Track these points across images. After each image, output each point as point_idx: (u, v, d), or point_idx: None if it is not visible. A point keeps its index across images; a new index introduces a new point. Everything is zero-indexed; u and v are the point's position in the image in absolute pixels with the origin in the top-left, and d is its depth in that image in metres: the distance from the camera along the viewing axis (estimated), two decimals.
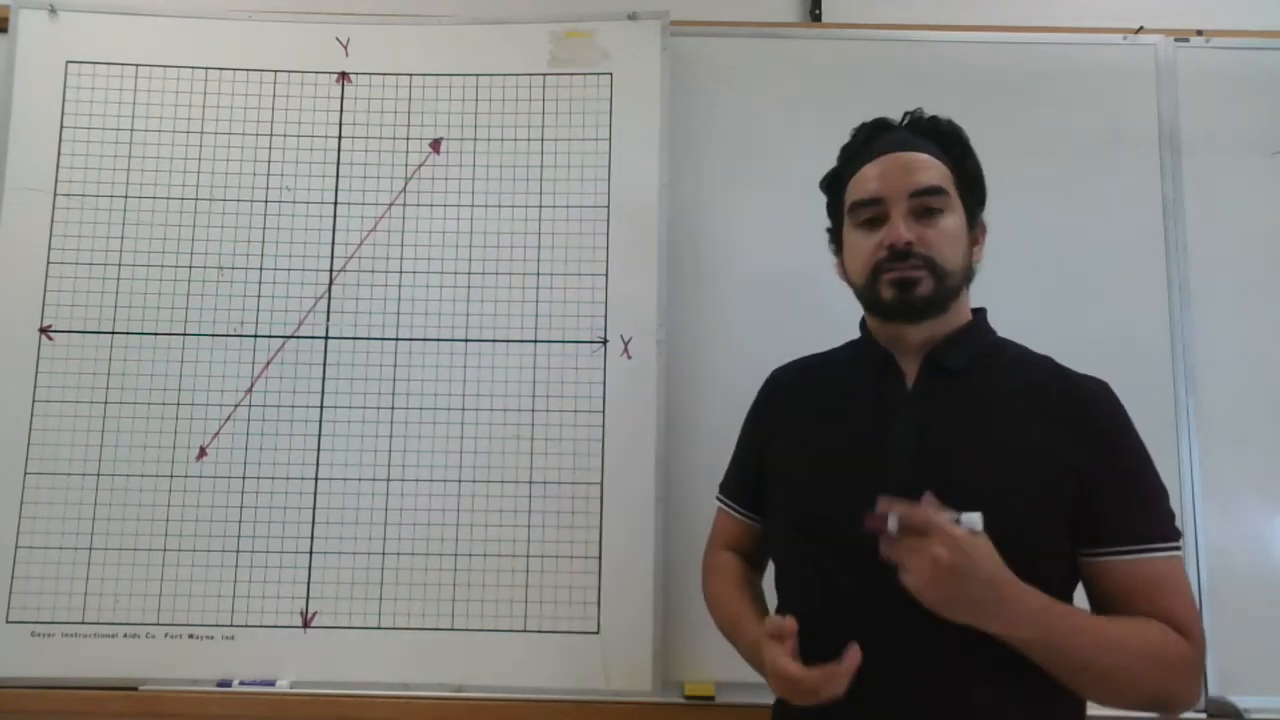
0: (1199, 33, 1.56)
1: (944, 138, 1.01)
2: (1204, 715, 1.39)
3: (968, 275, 1.01)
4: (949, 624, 0.83)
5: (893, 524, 0.81)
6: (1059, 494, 0.90)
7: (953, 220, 0.97)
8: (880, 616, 0.87)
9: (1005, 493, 0.89)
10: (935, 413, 0.95)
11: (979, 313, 1.04)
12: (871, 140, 1.02)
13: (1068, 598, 0.92)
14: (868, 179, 0.99)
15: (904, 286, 0.95)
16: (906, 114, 1.04)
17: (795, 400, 1.08)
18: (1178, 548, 0.90)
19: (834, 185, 1.06)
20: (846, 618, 0.90)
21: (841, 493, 0.95)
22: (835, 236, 1.08)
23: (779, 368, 1.14)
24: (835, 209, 1.07)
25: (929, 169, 0.97)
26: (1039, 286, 1.50)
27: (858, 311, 1.06)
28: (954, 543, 0.79)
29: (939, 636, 0.84)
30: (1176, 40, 1.56)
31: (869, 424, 0.97)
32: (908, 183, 0.96)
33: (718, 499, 1.17)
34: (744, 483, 1.13)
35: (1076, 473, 0.89)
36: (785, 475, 1.04)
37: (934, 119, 1.02)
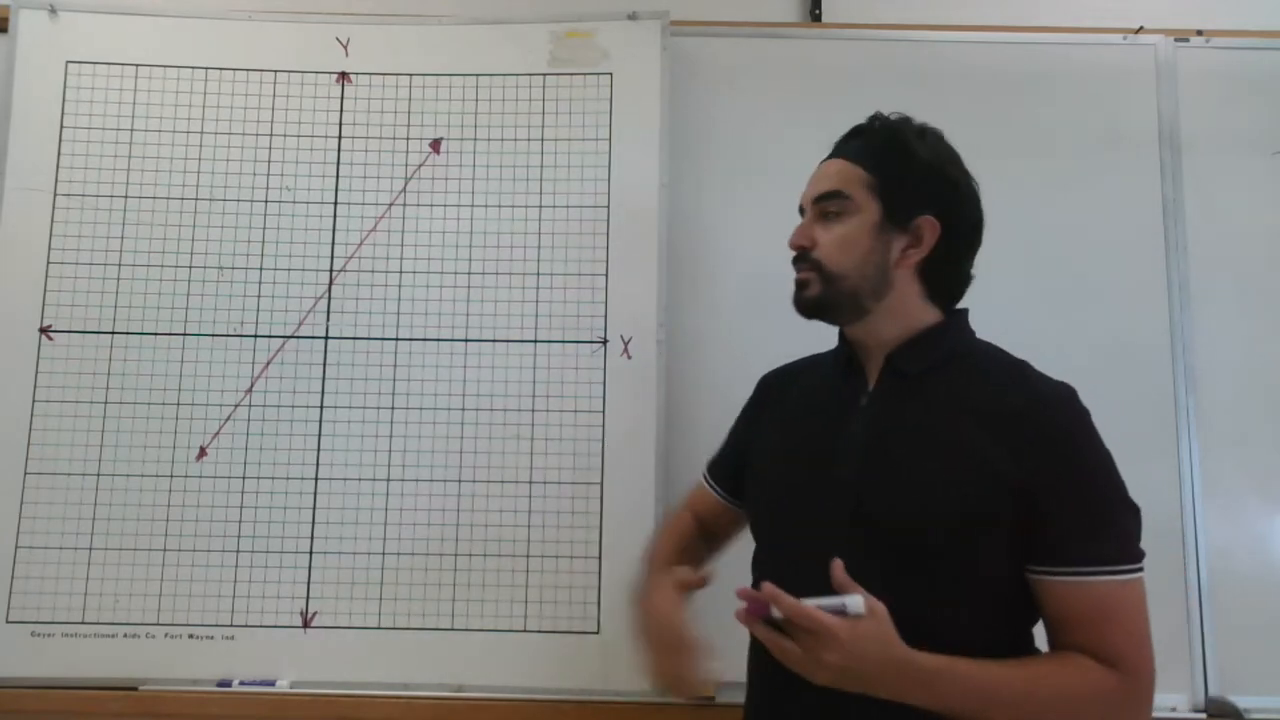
0: (1199, 33, 1.56)
1: (875, 141, 1.00)
2: (1204, 715, 1.39)
3: (886, 279, 0.96)
4: None
5: (776, 612, 0.80)
6: (995, 507, 0.87)
7: (847, 225, 0.96)
8: None
9: (939, 503, 0.88)
10: (889, 416, 0.95)
11: (956, 314, 1.02)
12: (832, 150, 1.04)
13: (1020, 614, 0.90)
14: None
15: (798, 288, 0.99)
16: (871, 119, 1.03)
17: (780, 400, 1.10)
18: (1129, 570, 0.86)
19: None
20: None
21: (794, 488, 0.98)
22: None
23: (771, 370, 1.16)
24: None
25: (833, 175, 0.99)
26: (1039, 286, 1.50)
27: None
28: (840, 646, 0.78)
29: None
30: (1176, 40, 1.56)
31: (828, 422, 0.99)
32: (814, 189, 1.00)
33: (703, 475, 1.20)
34: (726, 465, 1.17)
35: (1016, 486, 0.86)
36: (757, 470, 1.07)
37: (885, 122, 1.01)
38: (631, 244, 1.48)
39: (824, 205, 0.98)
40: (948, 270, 0.99)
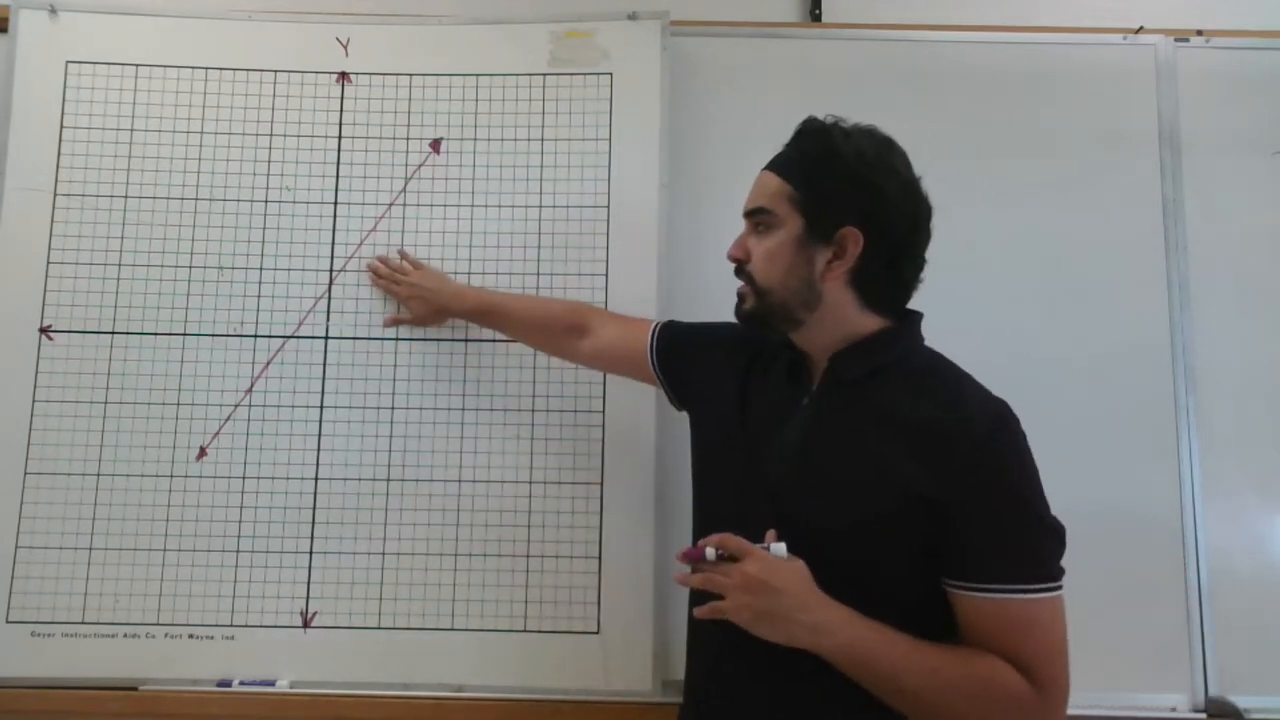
0: (1199, 33, 1.56)
1: (801, 151, 1.00)
2: (1204, 715, 1.39)
3: (815, 291, 0.97)
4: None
5: (710, 554, 0.88)
6: (897, 518, 0.89)
7: (773, 239, 0.98)
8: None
9: (840, 508, 0.91)
10: (822, 421, 0.97)
11: (905, 320, 1.00)
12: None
13: (931, 625, 0.90)
14: None
15: (738, 300, 1.03)
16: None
17: (756, 364, 1.08)
18: (1045, 589, 0.87)
19: None
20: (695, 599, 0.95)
21: (727, 476, 1.02)
22: None
23: (763, 341, 1.11)
24: None
25: (764, 189, 1.00)
26: (1039, 287, 1.50)
27: None
28: (761, 561, 0.87)
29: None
30: (1176, 40, 1.56)
31: (770, 418, 1.01)
32: (746, 203, 1.02)
33: (656, 326, 1.23)
34: (675, 345, 1.21)
35: (928, 502, 0.88)
36: (699, 429, 1.12)
37: (813, 128, 0.99)
38: (631, 244, 1.47)
39: (754, 219, 1.01)
40: (883, 278, 0.97)
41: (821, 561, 0.89)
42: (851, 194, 0.95)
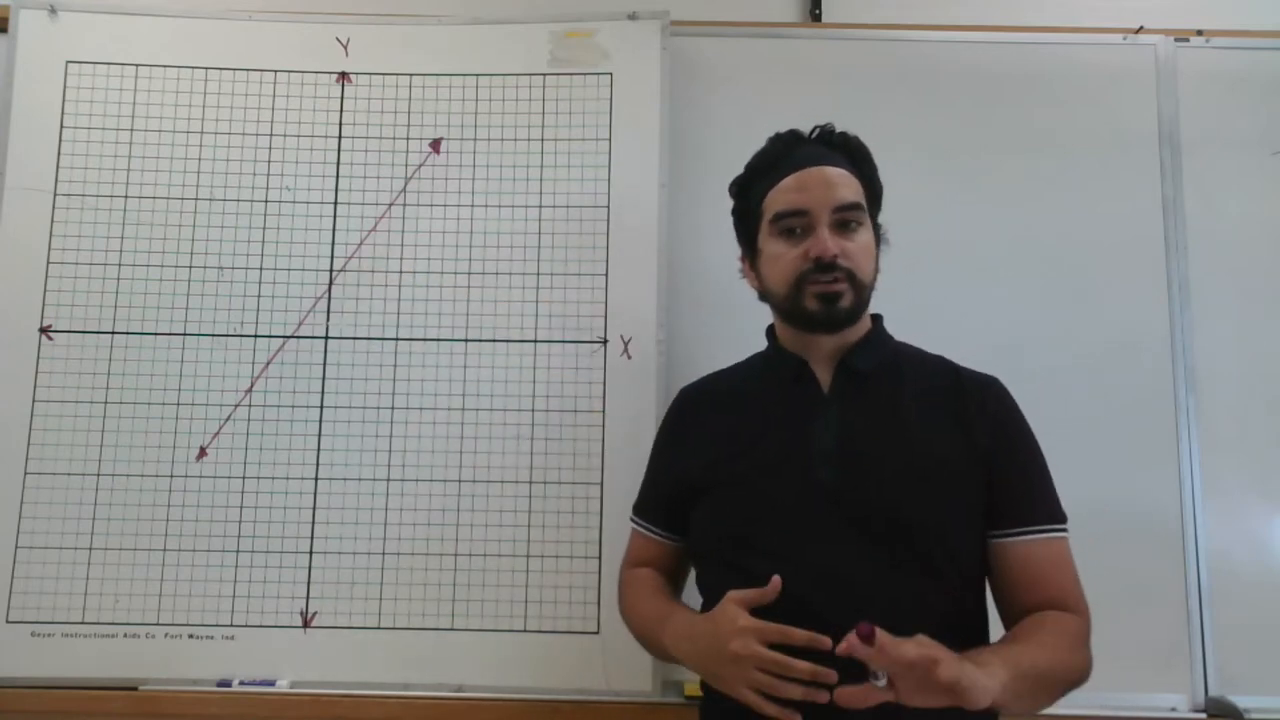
0: (1199, 33, 1.56)
1: (854, 153, 1.04)
2: (1204, 715, 1.39)
3: (874, 284, 1.04)
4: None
5: (883, 680, 0.78)
6: (973, 485, 0.95)
7: (867, 235, 1.01)
8: (817, 620, 0.88)
9: (926, 488, 0.94)
10: (852, 414, 0.99)
11: (878, 319, 1.07)
12: (788, 152, 1.04)
13: (980, 583, 0.99)
14: (790, 190, 1.01)
15: (829, 300, 0.98)
16: (817, 127, 1.05)
17: (708, 417, 1.09)
18: (1064, 529, 0.98)
19: (745, 192, 1.08)
20: (785, 622, 0.89)
21: (770, 499, 0.97)
22: (747, 242, 1.09)
23: (687, 386, 1.17)
24: (746, 215, 1.08)
25: (849, 185, 1.00)
26: (1039, 287, 1.50)
27: None
28: (948, 656, 0.78)
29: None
30: (1176, 40, 1.56)
31: (789, 430, 1.00)
32: (832, 197, 0.99)
33: (631, 520, 1.17)
34: (658, 503, 1.12)
35: (985, 463, 0.96)
36: (708, 490, 1.02)
37: (844, 135, 1.04)
38: (631, 244, 1.48)
39: (846, 215, 0.99)
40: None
41: (900, 550, 0.91)
42: (881, 198, 1.04)
